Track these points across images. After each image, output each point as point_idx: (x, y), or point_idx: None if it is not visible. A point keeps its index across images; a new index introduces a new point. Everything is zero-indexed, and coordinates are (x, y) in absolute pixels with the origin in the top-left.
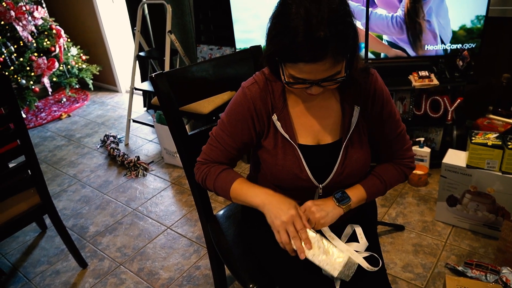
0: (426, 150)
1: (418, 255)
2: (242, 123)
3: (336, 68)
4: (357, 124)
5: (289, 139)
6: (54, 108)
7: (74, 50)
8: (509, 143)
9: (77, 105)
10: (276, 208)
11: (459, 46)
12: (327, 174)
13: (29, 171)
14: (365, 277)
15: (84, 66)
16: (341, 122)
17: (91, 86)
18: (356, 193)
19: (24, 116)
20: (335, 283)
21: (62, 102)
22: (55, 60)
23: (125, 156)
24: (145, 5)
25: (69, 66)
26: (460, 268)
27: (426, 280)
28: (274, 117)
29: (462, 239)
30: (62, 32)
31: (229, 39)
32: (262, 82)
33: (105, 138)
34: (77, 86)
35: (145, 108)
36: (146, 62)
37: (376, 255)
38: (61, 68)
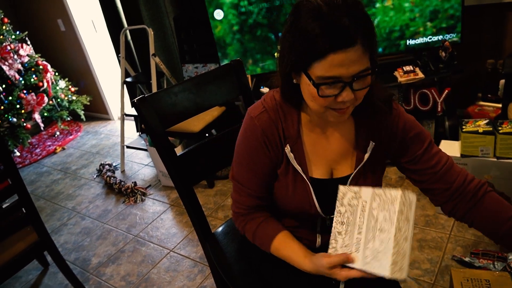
0: None
1: (424, 251)
2: (258, 152)
3: (365, 62)
4: (370, 159)
5: (301, 173)
6: (48, 143)
7: (62, 83)
8: (500, 128)
9: (70, 137)
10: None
11: (440, 37)
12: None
13: (23, 209)
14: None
15: (74, 97)
16: (355, 155)
17: (83, 117)
18: None
19: (18, 154)
20: None
21: (56, 136)
22: (44, 95)
23: (122, 183)
24: (127, 31)
25: (58, 100)
26: (467, 259)
27: (435, 275)
28: (287, 148)
29: (466, 229)
30: (49, 66)
31: (213, 56)
32: (272, 109)
33: (101, 167)
34: (69, 119)
35: (138, 133)
36: (134, 87)
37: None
38: (51, 102)
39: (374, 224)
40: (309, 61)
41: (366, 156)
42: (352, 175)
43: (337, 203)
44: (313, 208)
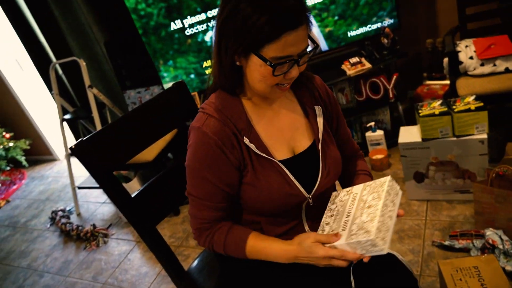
0: (380, 133)
1: (404, 242)
2: (216, 162)
3: (307, 38)
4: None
5: (268, 157)
6: None
7: None
8: (454, 107)
9: (14, 187)
10: (306, 259)
11: (379, 25)
12: (313, 182)
13: None
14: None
15: (11, 144)
16: (308, 124)
17: (24, 163)
18: None
19: None
20: None
21: None
22: None
23: (80, 227)
24: (57, 65)
25: None
26: (446, 243)
27: (419, 265)
28: (246, 140)
29: (440, 212)
30: None
31: (155, 77)
32: (215, 111)
33: (53, 214)
34: (9, 168)
35: None
36: (76, 122)
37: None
38: None
39: (363, 205)
40: (262, 43)
41: (321, 120)
42: (318, 141)
43: (329, 204)
44: (294, 187)
